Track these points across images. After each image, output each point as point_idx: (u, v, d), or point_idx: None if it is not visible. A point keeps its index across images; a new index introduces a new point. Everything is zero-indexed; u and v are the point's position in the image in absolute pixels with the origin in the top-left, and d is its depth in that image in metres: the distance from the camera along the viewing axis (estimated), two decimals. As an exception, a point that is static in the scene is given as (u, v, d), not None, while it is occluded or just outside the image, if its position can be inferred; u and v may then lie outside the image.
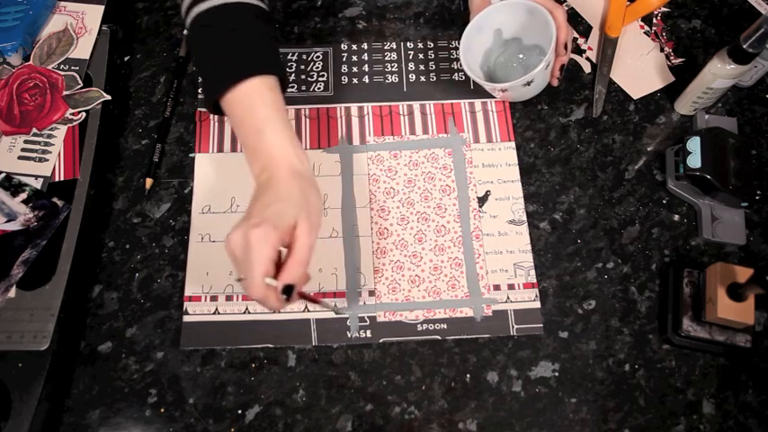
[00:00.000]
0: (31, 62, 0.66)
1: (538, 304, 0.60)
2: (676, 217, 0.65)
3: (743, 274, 0.54)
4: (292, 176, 0.48)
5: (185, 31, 0.54)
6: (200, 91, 0.69)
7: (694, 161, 0.61)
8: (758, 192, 0.66)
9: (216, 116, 0.67)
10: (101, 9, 0.68)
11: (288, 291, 0.45)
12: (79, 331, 0.58)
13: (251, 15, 0.53)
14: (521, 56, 0.69)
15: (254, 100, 0.50)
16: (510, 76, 0.68)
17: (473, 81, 0.69)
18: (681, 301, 0.58)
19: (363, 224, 0.63)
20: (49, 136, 0.63)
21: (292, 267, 0.46)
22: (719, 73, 0.61)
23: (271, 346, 0.58)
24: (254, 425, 0.55)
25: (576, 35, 0.74)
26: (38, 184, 0.60)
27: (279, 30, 0.73)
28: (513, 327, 0.59)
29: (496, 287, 0.61)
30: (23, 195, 0.60)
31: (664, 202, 0.65)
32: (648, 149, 0.68)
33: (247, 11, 0.52)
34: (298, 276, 0.46)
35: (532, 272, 0.61)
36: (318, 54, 0.72)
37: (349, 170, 0.66)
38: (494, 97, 0.69)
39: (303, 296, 0.50)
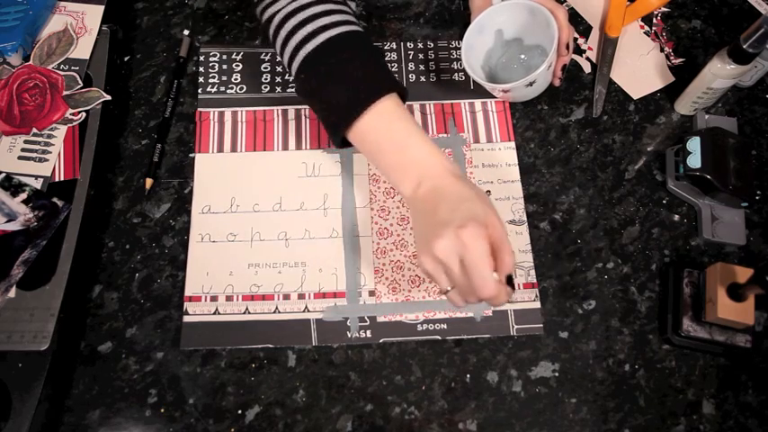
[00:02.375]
0: (31, 62, 0.66)
1: (538, 304, 0.60)
2: (676, 217, 0.65)
3: (743, 274, 0.54)
4: (457, 179, 0.48)
5: (293, 71, 0.53)
6: (199, 90, 0.69)
7: (694, 161, 0.61)
8: (758, 192, 0.66)
9: (216, 118, 0.67)
10: (101, 9, 0.68)
11: (510, 281, 0.46)
12: (79, 331, 0.58)
13: (358, 41, 0.52)
14: (522, 56, 0.69)
15: (389, 118, 0.50)
16: (511, 77, 0.68)
17: (473, 81, 0.69)
18: (681, 301, 0.58)
19: (364, 224, 0.63)
20: (49, 136, 0.62)
21: (506, 258, 0.45)
22: (719, 73, 0.61)
23: (271, 346, 0.58)
24: (254, 425, 0.55)
25: (576, 35, 0.74)
26: (38, 184, 0.60)
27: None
28: (513, 327, 0.59)
29: (496, 287, 0.61)
30: (23, 195, 0.60)
31: (664, 202, 0.65)
32: (648, 149, 0.68)
33: (354, 38, 0.52)
34: (512, 265, 0.46)
35: (532, 272, 0.61)
36: (318, 54, 0.72)
37: (349, 170, 0.66)
38: (494, 97, 0.69)
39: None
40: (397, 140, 0.50)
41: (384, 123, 0.50)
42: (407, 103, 0.68)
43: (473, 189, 0.48)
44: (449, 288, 0.46)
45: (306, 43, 0.52)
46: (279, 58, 0.54)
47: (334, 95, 0.51)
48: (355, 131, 0.51)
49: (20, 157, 0.62)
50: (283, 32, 0.53)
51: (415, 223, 0.50)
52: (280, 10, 0.53)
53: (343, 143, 0.53)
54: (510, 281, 0.46)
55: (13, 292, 0.55)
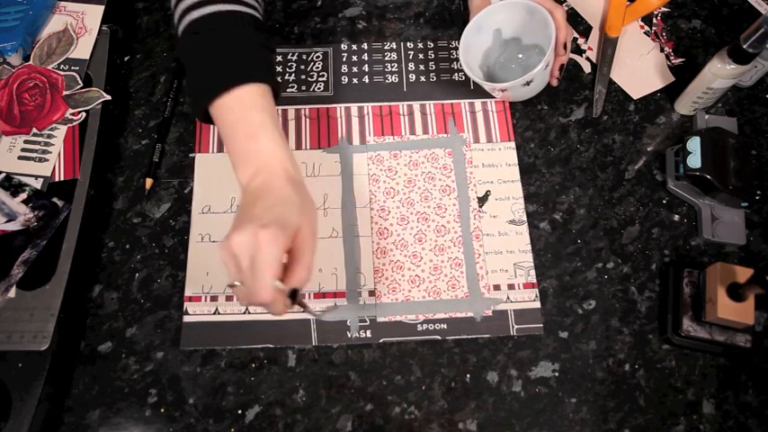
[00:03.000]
0: (31, 62, 0.66)
1: (538, 304, 0.60)
2: (676, 217, 0.65)
3: (743, 274, 0.54)
4: (289, 181, 0.48)
5: (178, 34, 0.54)
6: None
7: (694, 161, 0.61)
8: (758, 192, 0.66)
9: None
10: (101, 9, 0.68)
11: (293, 295, 0.45)
12: (79, 331, 0.58)
13: (245, 24, 0.52)
14: (520, 56, 0.69)
15: (248, 105, 0.50)
16: (509, 76, 0.68)
17: (473, 81, 0.69)
18: (681, 301, 0.58)
19: (363, 224, 0.63)
20: (49, 136, 0.63)
21: (299, 271, 0.45)
22: (719, 73, 0.61)
23: (271, 346, 0.58)
24: (254, 425, 0.55)
25: (576, 35, 0.74)
26: (38, 184, 0.60)
27: (277, 34, 0.73)
28: (513, 327, 0.59)
29: (496, 287, 0.61)
30: (23, 195, 0.60)
31: (664, 202, 0.65)
32: (648, 149, 0.68)
33: (241, 19, 0.52)
34: (304, 280, 0.45)
35: (532, 272, 0.61)
36: (318, 54, 0.72)
37: (349, 170, 0.66)
38: (494, 97, 0.69)
39: (300, 303, 0.49)
40: (248, 129, 0.50)
41: (241, 109, 0.50)
42: (407, 102, 0.69)
43: (300, 196, 0.48)
44: (234, 282, 0.45)
45: (193, 10, 0.52)
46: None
47: (204, 68, 0.51)
48: (215, 108, 0.51)
49: (20, 157, 0.62)
50: None
51: (237, 212, 0.49)
52: None
53: (206, 118, 0.53)
54: (294, 295, 0.45)
55: (13, 292, 0.55)
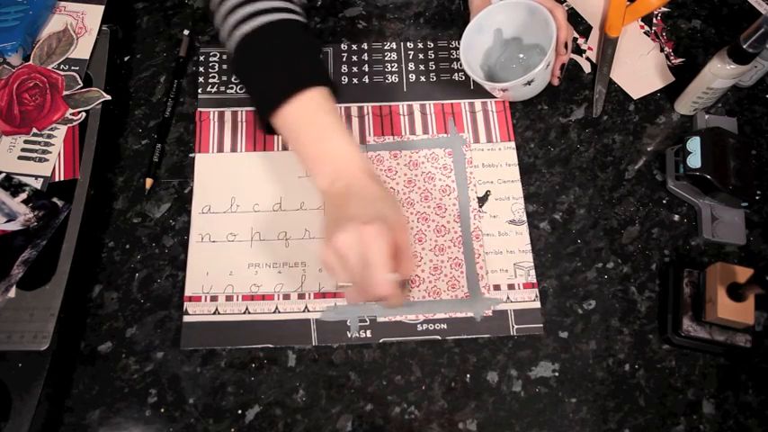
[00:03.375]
0: (31, 62, 0.66)
1: (538, 304, 0.60)
2: (676, 217, 0.65)
3: (743, 274, 0.54)
4: (371, 178, 0.49)
5: (231, 49, 0.54)
6: (199, 90, 0.69)
7: (694, 161, 0.61)
8: (758, 192, 0.66)
9: (215, 118, 0.67)
10: (101, 9, 0.68)
11: (404, 287, 0.47)
12: (79, 331, 0.58)
13: (297, 30, 0.53)
14: (521, 55, 0.69)
15: (314, 109, 0.50)
16: (510, 76, 0.68)
17: (473, 81, 0.69)
18: (681, 301, 0.58)
19: (363, 224, 0.63)
20: (49, 136, 0.62)
21: (406, 261, 0.46)
22: (719, 73, 0.61)
23: (271, 346, 0.58)
24: (254, 425, 0.55)
25: (576, 35, 0.74)
26: (38, 184, 0.60)
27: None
28: (513, 327, 0.59)
29: (496, 287, 0.61)
30: (23, 195, 0.60)
31: (664, 202, 0.65)
32: (648, 149, 0.68)
33: (291, 27, 0.53)
34: (412, 269, 0.47)
35: (532, 272, 0.61)
36: (318, 54, 0.72)
37: (349, 170, 0.66)
38: (494, 97, 0.69)
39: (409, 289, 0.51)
40: (317, 132, 0.51)
41: (307, 114, 0.51)
42: (407, 102, 0.69)
43: (385, 192, 0.49)
44: (344, 283, 0.47)
45: (243, 24, 0.52)
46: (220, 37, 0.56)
47: (263, 80, 0.52)
48: (279, 118, 0.51)
49: (20, 157, 0.62)
50: (223, 9, 0.54)
51: (326, 217, 0.50)
52: None
53: (270, 130, 0.54)
54: (404, 285, 0.47)
55: (13, 292, 0.55)
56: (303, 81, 0.51)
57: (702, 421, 0.56)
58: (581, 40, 0.74)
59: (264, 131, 0.55)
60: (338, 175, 0.49)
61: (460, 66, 0.71)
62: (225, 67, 0.70)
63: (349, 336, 0.59)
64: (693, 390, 0.57)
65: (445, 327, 0.59)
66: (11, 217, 0.59)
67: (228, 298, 0.60)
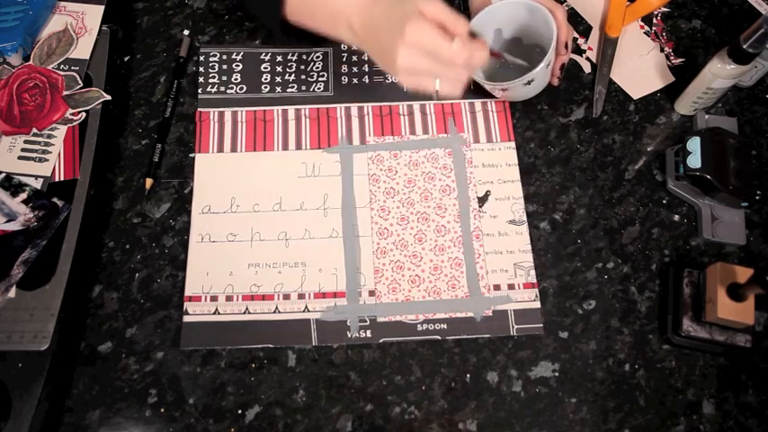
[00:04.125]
0: (31, 62, 0.66)
1: (538, 304, 0.60)
2: (676, 217, 0.65)
3: (743, 274, 0.54)
4: (371, 4, 0.52)
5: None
6: (199, 90, 0.69)
7: (694, 161, 0.61)
8: (758, 192, 0.66)
9: (216, 118, 0.67)
10: (101, 9, 0.68)
11: (473, 35, 0.50)
12: (79, 331, 0.58)
13: None
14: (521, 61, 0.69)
15: None
16: (510, 76, 0.68)
17: (473, 81, 0.69)
18: (681, 301, 0.58)
19: (363, 224, 0.63)
20: (49, 136, 0.62)
21: (455, 22, 0.49)
22: (719, 73, 0.61)
23: (271, 346, 0.58)
24: (254, 425, 0.55)
25: (576, 35, 0.74)
26: (38, 184, 0.60)
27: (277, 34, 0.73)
28: (513, 327, 0.59)
29: (496, 287, 0.61)
30: (23, 195, 0.60)
31: (664, 202, 0.65)
32: (648, 149, 0.68)
33: None
34: (465, 25, 0.49)
35: (532, 272, 0.61)
36: (318, 54, 0.72)
37: (349, 170, 0.66)
38: (494, 97, 0.69)
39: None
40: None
41: None
42: (407, 102, 0.69)
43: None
44: (436, 87, 0.50)
45: None
46: None
47: None
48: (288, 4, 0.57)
49: (20, 157, 0.62)
50: None
51: (371, 56, 0.55)
52: None
53: (285, 29, 0.59)
54: (473, 35, 0.50)
55: (13, 292, 0.55)
56: None
57: (702, 421, 0.56)
58: (581, 40, 0.74)
59: (284, 31, 0.59)
60: (349, 22, 0.53)
61: (460, 66, 0.71)
62: (225, 67, 0.70)
63: (349, 336, 0.59)
64: (693, 390, 0.57)
65: (445, 327, 0.59)
66: (11, 217, 0.58)
67: (228, 298, 0.60)
